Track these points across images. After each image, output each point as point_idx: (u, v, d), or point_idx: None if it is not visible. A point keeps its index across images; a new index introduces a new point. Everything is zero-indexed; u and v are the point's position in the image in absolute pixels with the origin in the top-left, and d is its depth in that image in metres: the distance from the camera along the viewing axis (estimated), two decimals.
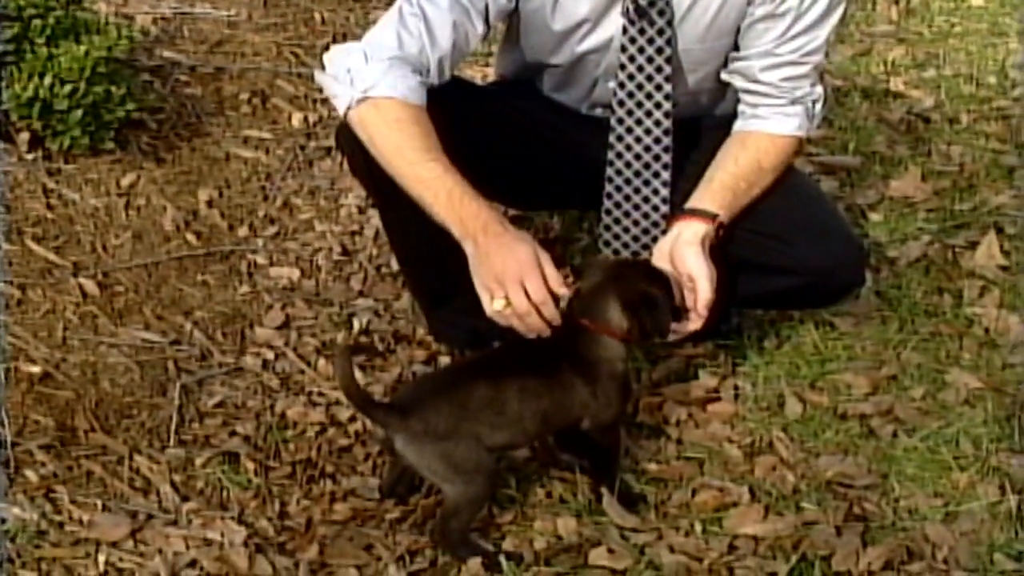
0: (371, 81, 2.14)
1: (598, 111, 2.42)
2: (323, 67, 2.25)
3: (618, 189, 2.36)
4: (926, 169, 3.14)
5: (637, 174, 2.35)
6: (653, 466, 2.30)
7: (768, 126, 2.31)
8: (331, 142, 3.03)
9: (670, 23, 2.25)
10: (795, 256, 2.30)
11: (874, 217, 2.99)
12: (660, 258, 2.23)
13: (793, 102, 2.31)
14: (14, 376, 2.35)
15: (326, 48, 3.50)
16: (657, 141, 2.32)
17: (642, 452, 2.33)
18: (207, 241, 2.86)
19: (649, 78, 2.28)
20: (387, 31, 2.21)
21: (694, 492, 2.24)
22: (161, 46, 3.42)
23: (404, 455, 2.04)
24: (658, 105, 2.30)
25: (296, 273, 2.82)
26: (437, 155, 2.12)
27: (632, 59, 2.28)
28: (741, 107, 2.34)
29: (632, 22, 2.26)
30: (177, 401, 2.40)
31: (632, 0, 2.24)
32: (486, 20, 2.25)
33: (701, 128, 2.44)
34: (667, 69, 2.28)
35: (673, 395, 2.47)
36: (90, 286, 2.62)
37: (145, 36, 3.41)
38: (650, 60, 2.28)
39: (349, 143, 2.26)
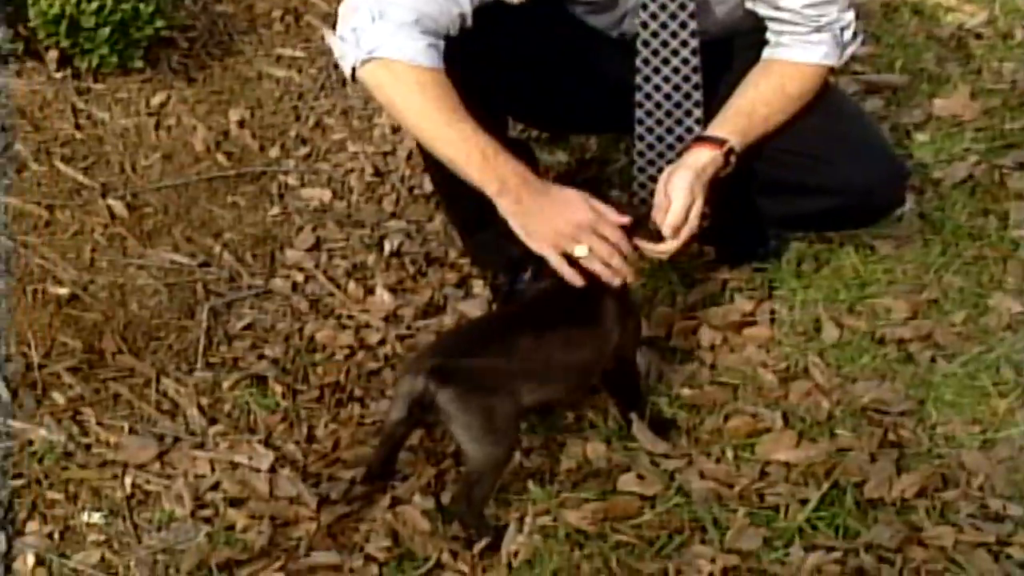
0: (376, 42, 2.04)
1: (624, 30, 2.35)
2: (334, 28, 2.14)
3: (648, 114, 2.28)
4: (976, 87, 3.03)
5: (667, 97, 2.26)
6: (686, 391, 2.27)
7: (792, 54, 2.23)
8: None
9: None
10: (833, 175, 2.23)
11: (920, 137, 2.90)
12: (660, 182, 2.17)
13: (819, 29, 2.21)
14: (41, 298, 2.34)
15: None
16: (685, 62, 2.23)
17: (675, 377, 2.29)
18: (238, 162, 2.83)
19: (673, 16, 2.20)
20: None
21: (726, 418, 2.21)
22: None
23: (446, 411, 1.95)
24: (683, 25, 2.21)
25: (327, 194, 2.79)
26: (463, 115, 2.04)
27: None
28: (768, 35, 2.25)
29: None
30: (205, 324, 2.38)
31: None
32: None
33: (734, 48, 2.35)
34: (690, 6, 2.19)
35: (708, 319, 2.43)
36: (119, 207, 2.61)
37: None
38: None
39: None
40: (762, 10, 2.23)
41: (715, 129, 2.19)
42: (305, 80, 3.11)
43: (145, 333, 2.35)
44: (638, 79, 2.26)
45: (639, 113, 2.28)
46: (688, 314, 2.45)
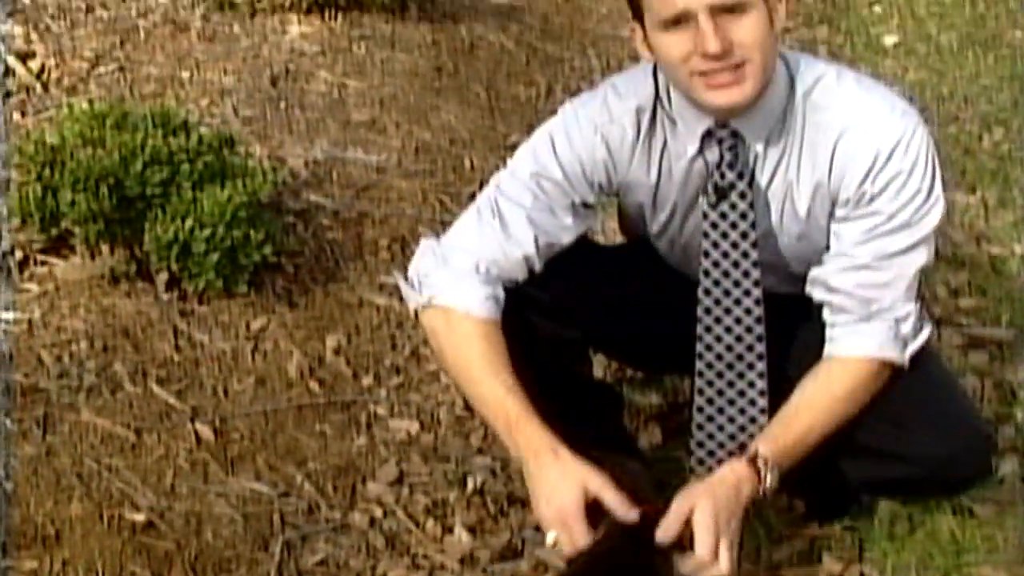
0: (437, 289, 2.12)
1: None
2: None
3: (709, 384, 2.22)
4: None
5: (730, 367, 2.20)
6: None
7: (842, 348, 2.12)
8: None
9: (752, 206, 2.13)
10: (910, 443, 2.14)
11: None
12: (677, 500, 2.01)
13: (870, 317, 2.10)
14: (117, 524, 2.36)
15: (471, 196, 3.58)
16: (749, 330, 2.18)
17: None
18: (330, 389, 2.85)
19: (736, 264, 2.16)
20: (463, 232, 2.18)
21: None
22: (309, 189, 3.48)
23: None
24: (747, 292, 2.17)
25: (415, 426, 2.79)
26: (502, 375, 2.09)
27: (715, 245, 2.16)
28: (826, 330, 2.15)
29: (712, 206, 2.15)
30: (277, 558, 2.37)
31: (712, 183, 2.15)
32: (575, 214, 2.18)
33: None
34: (753, 254, 2.14)
35: None
36: (206, 432, 2.64)
37: (294, 179, 3.48)
38: (735, 245, 2.15)
39: None
40: (817, 294, 2.16)
41: (756, 440, 2.11)
42: (405, 309, 3.13)
43: (216, 564, 2.34)
44: (699, 347, 2.22)
45: (699, 382, 2.24)
46: (773, 572, 2.35)
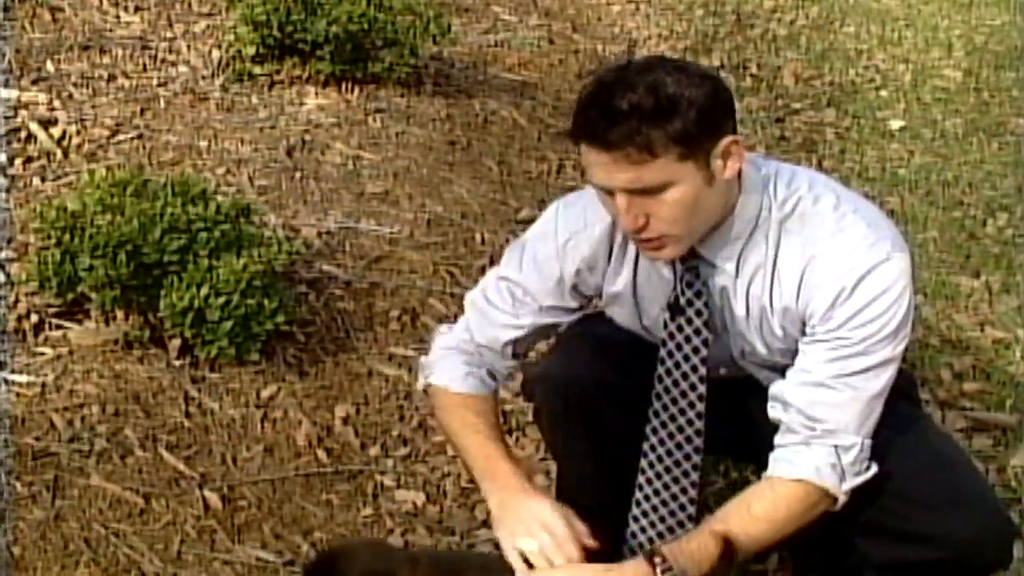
0: (429, 368, 2.36)
1: None
2: None
3: (648, 482, 2.28)
4: None
5: (667, 470, 2.26)
6: None
7: (782, 468, 2.11)
8: None
9: (707, 324, 2.17)
10: (937, 524, 2.11)
11: None
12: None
13: (811, 440, 2.08)
14: None
15: (482, 269, 3.62)
16: (688, 440, 2.23)
17: None
18: (337, 459, 2.88)
19: (684, 376, 2.21)
20: (459, 324, 2.39)
21: None
22: (322, 259, 3.52)
23: None
24: (691, 404, 2.22)
25: (421, 497, 2.81)
26: (483, 430, 2.26)
27: (670, 354, 2.21)
28: (775, 442, 2.16)
29: (671, 319, 2.20)
30: None
31: (673, 298, 2.20)
32: (551, 313, 2.31)
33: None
34: (701, 369, 2.19)
35: None
36: (214, 499, 2.66)
37: (308, 249, 3.53)
38: (686, 358, 2.20)
39: (548, 387, 2.35)
40: (773, 412, 2.16)
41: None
42: (413, 380, 3.17)
43: None
44: (647, 428, 2.27)
45: (643, 462, 2.28)
46: None
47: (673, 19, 6.00)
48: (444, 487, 2.86)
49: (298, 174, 3.86)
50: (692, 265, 2.16)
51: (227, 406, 2.92)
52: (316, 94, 4.33)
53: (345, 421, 3.00)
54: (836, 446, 2.07)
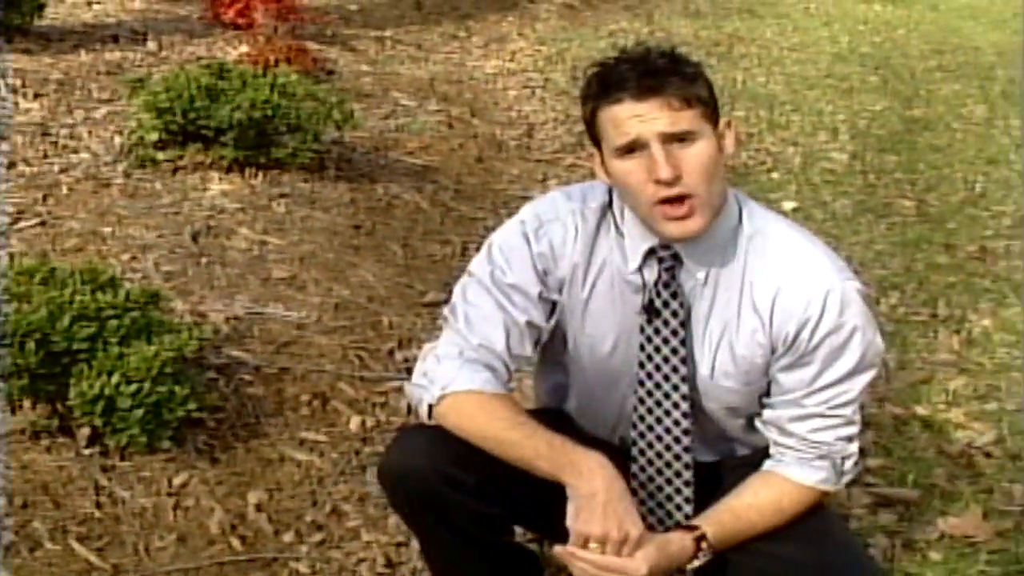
0: (447, 379, 2.26)
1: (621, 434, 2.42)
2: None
3: (642, 486, 2.34)
4: (987, 507, 3.06)
5: (659, 472, 2.34)
6: None
7: (792, 473, 2.29)
8: None
9: (684, 325, 2.27)
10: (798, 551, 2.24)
11: (933, 555, 2.89)
12: None
13: (821, 456, 2.29)
14: None
15: (390, 352, 3.63)
16: (677, 441, 2.31)
17: None
18: (251, 546, 2.85)
19: (666, 377, 2.29)
20: (446, 338, 2.33)
21: None
22: (230, 345, 3.51)
23: None
24: (676, 405, 2.30)
25: None
26: (525, 419, 2.22)
27: (649, 358, 2.30)
28: (771, 451, 2.33)
29: (648, 321, 2.29)
30: None
31: (648, 299, 2.28)
32: (535, 305, 2.32)
33: (723, 470, 2.42)
34: (682, 370, 2.29)
35: None
36: None
37: (216, 334, 3.51)
38: (666, 360, 2.29)
39: (390, 480, 2.32)
40: (771, 434, 2.31)
41: (700, 519, 2.25)
42: (326, 464, 3.17)
43: None
44: (633, 434, 2.35)
45: (633, 467, 2.34)
46: None
47: (569, 103, 6.11)
48: (360, 572, 2.84)
49: (204, 260, 3.85)
50: (669, 266, 2.26)
51: (139, 495, 2.88)
52: (220, 180, 4.34)
53: (258, 508, 2.97)
54: (841, 458, 2.30)
